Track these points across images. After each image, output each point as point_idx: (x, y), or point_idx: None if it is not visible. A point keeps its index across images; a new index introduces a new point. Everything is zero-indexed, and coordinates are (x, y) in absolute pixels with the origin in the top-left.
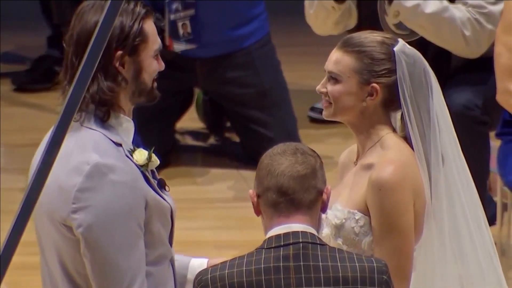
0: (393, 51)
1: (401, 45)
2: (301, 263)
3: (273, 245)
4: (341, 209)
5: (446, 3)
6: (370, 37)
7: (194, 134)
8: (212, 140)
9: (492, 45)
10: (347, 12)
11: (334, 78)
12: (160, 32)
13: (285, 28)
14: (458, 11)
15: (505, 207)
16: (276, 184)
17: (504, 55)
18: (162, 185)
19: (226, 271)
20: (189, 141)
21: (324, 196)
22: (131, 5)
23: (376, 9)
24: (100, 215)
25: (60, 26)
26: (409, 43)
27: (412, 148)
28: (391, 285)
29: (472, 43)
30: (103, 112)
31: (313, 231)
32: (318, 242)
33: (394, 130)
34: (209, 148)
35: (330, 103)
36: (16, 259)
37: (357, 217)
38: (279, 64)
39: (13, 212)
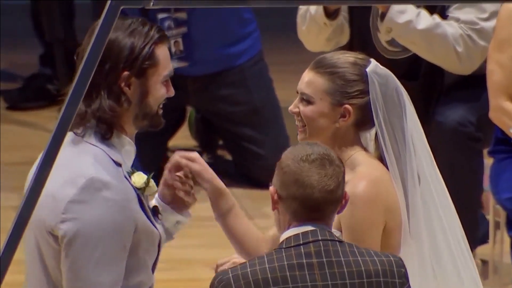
0: (366, 71)
1: (373, 66)
2: (324, 259)
3: (292, 244)
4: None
5: (438, 19)
6: (343, 58)
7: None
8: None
9: (485, 62)
10: (339, 28)
11: (306, 99)
12: None
13: (278, 46)
14: (451, 28)
15: (497, 225)
16: (302, 195)
17: (496, 72)
18: (155, 212)
19: (248, 270)
20: None
21: (343, 201)
22: (146, 28)
23: (369, 25)
24: (86, 229)
25: (53, 44)
26: (402, 59)
27: (387, 168)
28: (408, 278)
29: (464, 59)
30: (103, 129)
31: (330, 230)
32: (336, 239)
33: (364, 149)
34: None
35: (304, 126)
36: (8, 277)
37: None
38: (271, 82)
39: (4, 230)
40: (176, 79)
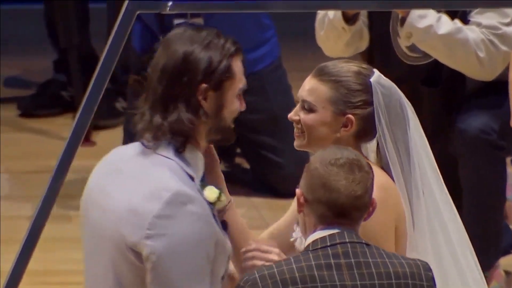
0: (370, 82)
1: (377, 76)
2: (352, 260)
3: (319, 246)
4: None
5: (459, 24)
6: (346, 67)
7: None
8: (222, 167)
9: (507, 68)
10: (358, 33)
11: (308, 107)
12: None
13: (296, 52)
14: (472, 32)
15: None
16: (329, 200)
17: None
18: (225, 227)
19: (275, 269)
20: None
21: (370, 208)
22: (221, 40)
23: (389, 30)
24: (174, 245)
25: (67, 50)
26: (423, 65)
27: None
28: (435, 282)
29: (486, 65)
30: (179, 142)
31: (357, 234)
32: (363, 241)
33: (366, 159)
34: None
35: (303, 132)
36: None
37: None
38: (290, 89)
39: (14, 241)
40: None
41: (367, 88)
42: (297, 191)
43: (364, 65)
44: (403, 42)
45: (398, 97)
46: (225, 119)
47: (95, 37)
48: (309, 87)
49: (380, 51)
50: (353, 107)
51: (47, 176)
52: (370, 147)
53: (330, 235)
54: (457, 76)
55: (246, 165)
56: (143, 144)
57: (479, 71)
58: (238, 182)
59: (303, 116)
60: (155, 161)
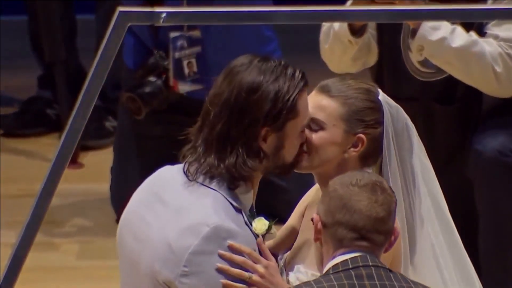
0: (380, 100)
1: (382, 95)
2: (377, 282)
3: (341, 269)
4: (304, 271)
5: (475, 36)
6: (355, 83)
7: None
8: None
9: None
10: (366, 47)
11: (317, 125)
12: (164, 71)
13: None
14: (488, 46)
15: None
16: (350, 221)
17: None
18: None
19: None
20: None
21: (392, 237)
22: (289, 72)
23: (399, 44)
24: (212, 282)
25: (53, 65)
26: (436, 81)
27: None
28: None
29: (504, 80)
30: (235, 185)
31: (379, 259)
32: (387, 267)
33: None
34: None
35: (306, 153)
36: None
37: None
38: None
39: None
40: (189, 104)
41: (379, 107)
42: (314, 216)
43: (371, 83)
44: (414, 57)
45: (404, 119)
46: (284, 158)
47: (83, 51)
48: (317, 104)
49: (390, 66)
50: (366, 126)
51: (31, 201)
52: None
53: (351, 258)
54: (473, 93)
55: None
56: (186, 174)
57: (496, 87)
58: None
59: (309, 135)
60: (200, 194)
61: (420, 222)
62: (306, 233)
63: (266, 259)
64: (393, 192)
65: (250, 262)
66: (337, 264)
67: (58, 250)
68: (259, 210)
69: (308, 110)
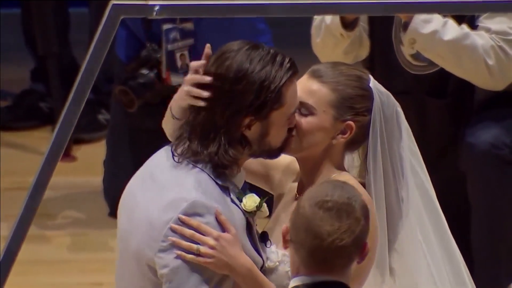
0: (370, 88)
1: (373, 82)
2: None
3: None
4: (275, 251)
5: (466, 29)
6: (347, 70)
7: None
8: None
9: None
10: (358, 40)
11: (306, 110)
12: (156, 64)
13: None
14: (480, 38)
15: None
16: (311, 246)
17: None
18: (264, 239)
19: None
20: None
21: (361, 254)
22: (278, 61)
23: (391, 37)
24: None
25: (46, 58)
26: (428, 74)
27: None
28: None
29: (496, 73)
30: (217, 172)
31: (347, 285)
32: None
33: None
34: None
35: (293, 136)
36: None
37: None
38: None
39: None
40: None
41: (370, 94)
42: (284, 226)
43: (362, 69)
44: (406, 50)
45: (394, 105)
46: (270, 143)
47: (75, 45)
48: (307, 89)
49: (382, 60)
50: (355, 113)
51: (24, 194)
52: (354, 161)
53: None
54: (466, 86)
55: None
56: (173, 157)
57: (488, 80)
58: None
59: (298, 118)
60: (185, 172)
61: (406, 211)
62: (279, 214)
63: (226, 231)
64: (364, 214)
65: (197, 235)
66: (298, 285)
67: (51, 243)
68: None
69: (297, 98)
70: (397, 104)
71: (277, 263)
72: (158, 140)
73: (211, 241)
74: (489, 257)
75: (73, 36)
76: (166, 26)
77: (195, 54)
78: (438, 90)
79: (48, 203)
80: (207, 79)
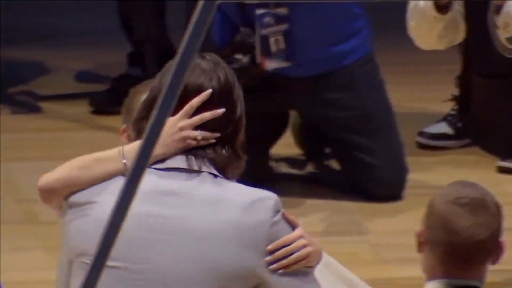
0: None
1: None
2: None
3: None
4: None
5: None
6: None
7: (290, 161)
8: (310, 168)
9: None
10: (453, 24)
11: None
12: (251, 49)
13: (389, 45)
14: None
15: None
16: (448, 242)
17: None
18: None
19: None
20: (285, 169)
21: (498, 252)
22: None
23: (487, 21)
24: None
25: (143, 42)
26: None
27: None
28: None
29: None
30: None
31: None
32: None
33: None
34: (307, 177)
35: None
36: None
37: None
38: (384, 84)
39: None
40: (277, 81)
41: None
42: (417, 230)
43: None
44: (502, 34)
45: None
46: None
47: (172, 29)
48: None
49: (478, 44)
50: None
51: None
52: None
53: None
54: None
55: (336, 167)
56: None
57: None
58: (326, 184)
59: None
60: (221, 182)
61: None
62: None
63: (293, 224)
64: (498, 210)
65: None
66: None
67: None
68: (348, 188)
69: None
70: None
71: None
72: (256, 124)
73: (303, 240)
74: None
75: (170, 20)
76: (259, 11)
77: (290, 38)
78: None
79: None
80: (220, 111)
